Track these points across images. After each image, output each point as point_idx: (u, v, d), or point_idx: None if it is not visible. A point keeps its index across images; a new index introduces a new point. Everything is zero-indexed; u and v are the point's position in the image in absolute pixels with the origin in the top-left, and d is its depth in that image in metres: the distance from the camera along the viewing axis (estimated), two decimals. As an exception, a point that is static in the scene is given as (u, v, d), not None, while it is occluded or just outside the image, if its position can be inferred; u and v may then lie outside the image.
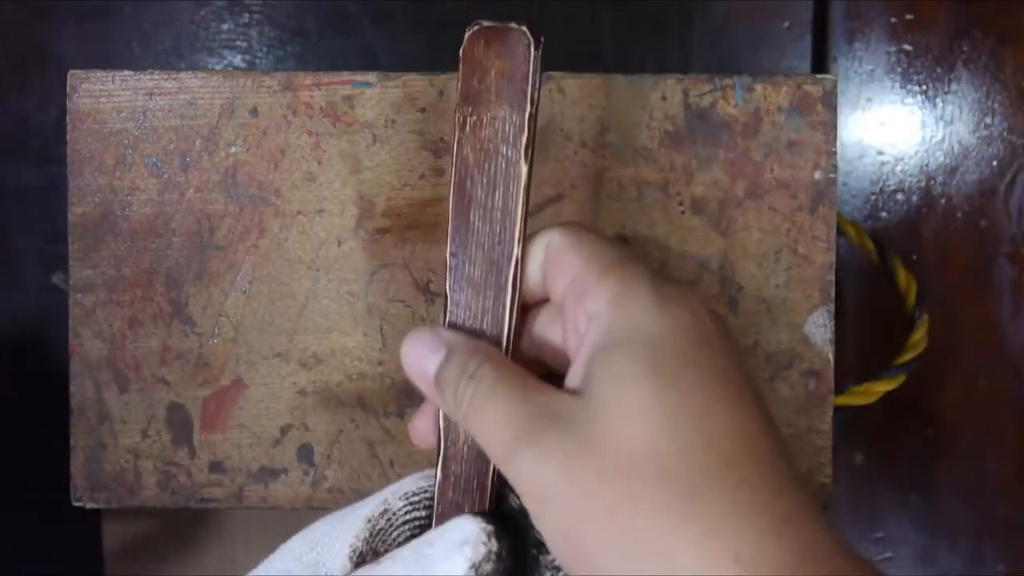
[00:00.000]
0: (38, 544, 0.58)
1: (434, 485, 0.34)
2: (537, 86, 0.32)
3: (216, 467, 0.40)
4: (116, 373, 0.40)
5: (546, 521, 0.28)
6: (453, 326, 0.33)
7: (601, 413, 0.27)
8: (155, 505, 0.40)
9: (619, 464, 0.26)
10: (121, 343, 0.40)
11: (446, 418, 0.33)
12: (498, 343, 0.33)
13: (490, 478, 0.33)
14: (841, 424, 0.53)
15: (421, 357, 0.32)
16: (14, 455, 0.58)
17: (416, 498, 0.34)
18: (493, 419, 0.29)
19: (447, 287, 0.33)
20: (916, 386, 0.58)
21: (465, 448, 0.33)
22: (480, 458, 0.33)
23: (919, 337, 0.45)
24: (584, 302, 0.29)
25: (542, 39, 0.33)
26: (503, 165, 0.32)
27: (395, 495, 0.34)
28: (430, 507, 0.34)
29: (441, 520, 0.33)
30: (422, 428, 0.33)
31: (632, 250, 0.30)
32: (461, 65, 0.33)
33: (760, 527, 0.25)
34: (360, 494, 0.40)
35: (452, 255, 0.33)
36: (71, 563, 0.58)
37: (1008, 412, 0.58)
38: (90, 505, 0.40)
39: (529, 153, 0.32)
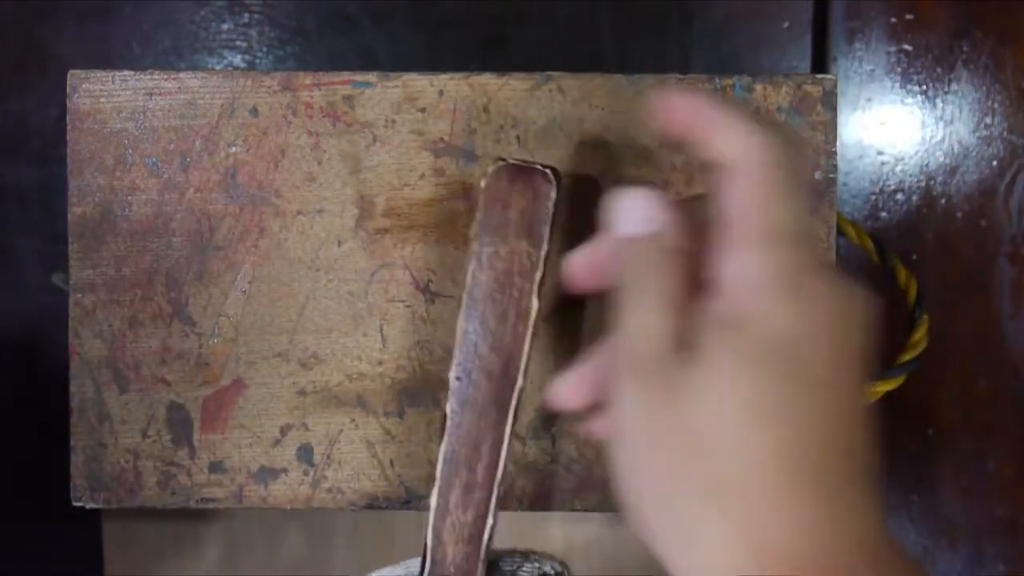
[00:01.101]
0: (38, 544, 0.58)
1: None
2: (554, 225, 0.34)
3: (216, 467, 0.40)
4: (116, 373, 0.40)
5: (617, 448, 0.29)
6: (451, 446, 0.35)
7: (708, 378, 0.27)
8: (155, 505, 0.40)
9: (701, 431, 0.27)
10: (121, 343, 0.40)
11: (435, 536, 0.35)
12: (494, 467, 0.35)
13: None
14: (841, 424, 0.53)
15: (630, 223, 0.31)
16: (14, 455, 0.58)
17: None
18: (636, 324, 0.29)
19: (448, 408, 0.35)
20: (916, 386, 0.58)
21: (452, 568, 0.35)
22: None
23: (919, 337, 0.45)
24: (729, 266, 0.28)
25: (561, 180, 0.35)
26: (516, 296, 0.34)
27: None
28: None
29: None
30: (569, 388, 0.33)
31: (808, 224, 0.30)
32: (483, 196, 0.35)
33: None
34: (360, 494, 0.40)
35: (457, 378, 0.34)
36: (71, 563, 0.58)
37: (1008, 412, 0.58)
38: (90, 505, 0.40)
39: (541, 289, 0.34)
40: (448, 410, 0.35)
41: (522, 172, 0.34)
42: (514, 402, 0.34)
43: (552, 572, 0.36)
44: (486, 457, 0.34)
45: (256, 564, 0.58)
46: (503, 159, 0.35)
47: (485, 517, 0.35)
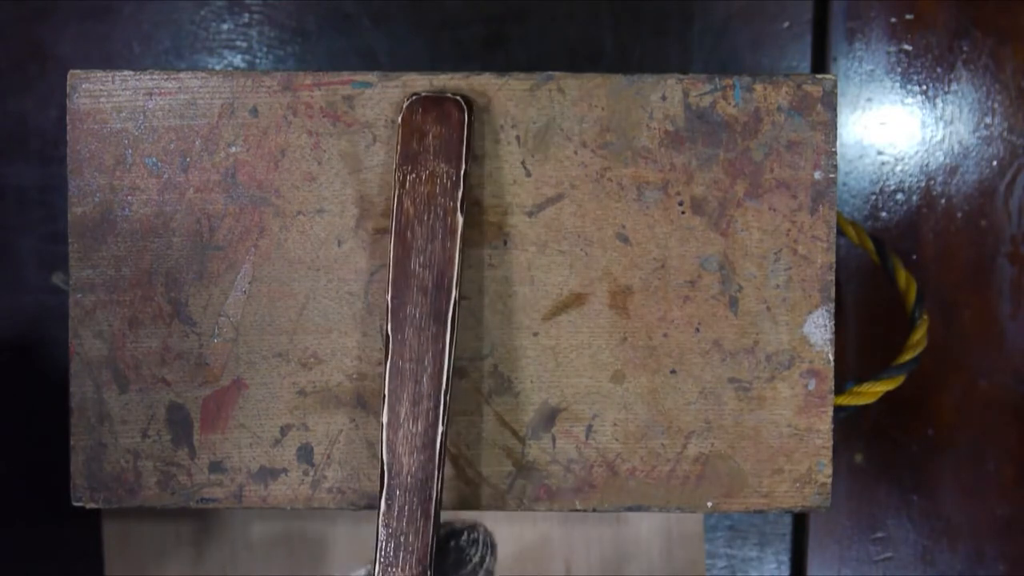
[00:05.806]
0: (38, 544, 0.58)
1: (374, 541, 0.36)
2: (469, 147, 0.37)
3: (216, 467, 0.40)
4: (116, 373, 0.40)
5: None
6: (395, 363, 0.36)
7: None
8: (155, 505, 0.40)
9: None
10: (121, 343, 0.40)
11: (389, 449, 0.36)
12: (439, 376, 0.36)
13: (434, 505, 0.35)
14: (841, 424, 0.53)
15: None
16: (14, 455, 0.58)
17: None
18: None
19: (388, 328, 0.36)
20: (916, 386, 0.58)
21: (409, 478, 0.36)
22: (424, 487, 0.35)
23: (919, 337, 0.45)
24: None
25: (473, 107, 0.37)
26: (441, 215, 0.36)
27: None
28: None
29: (386, 550, 0.35)
30: None
31: None
32: (400, 129, 0.37)
33: None
34: (360, 494, 0.40)
35: (394, 298, 0.36)
36: (71, 563, 0.58)
37: (1008, 412, 0.58)
38: (90, 505, 0.40)
39: (464, 205, 0.36)
40: (388, 330, 0.36)
41: (435, 102, 0.37)
42: (451, 313, 0.36)
43: (481, 539, 0.38)
44: (431, 367, 0.36)
45: (256, 564, 0.58)
46: (416, 94, 0.37)
47: (436, 425, 0.36)
